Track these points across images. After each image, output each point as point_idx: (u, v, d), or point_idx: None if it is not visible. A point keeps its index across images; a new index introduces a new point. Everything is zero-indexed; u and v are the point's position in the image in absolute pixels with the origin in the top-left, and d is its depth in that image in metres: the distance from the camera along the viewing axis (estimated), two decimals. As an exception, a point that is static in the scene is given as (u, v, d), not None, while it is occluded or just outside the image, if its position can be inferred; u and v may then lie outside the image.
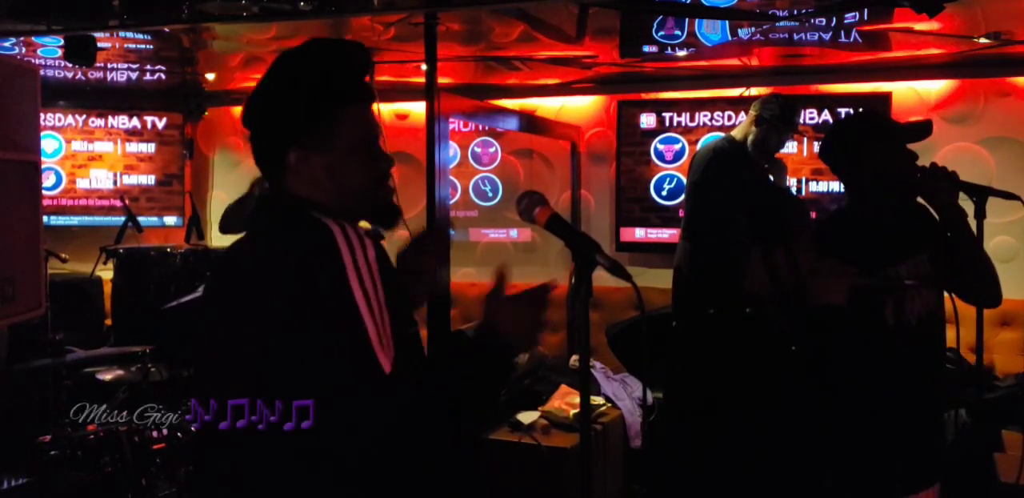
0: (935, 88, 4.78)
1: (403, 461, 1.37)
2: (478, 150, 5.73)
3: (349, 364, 1.31)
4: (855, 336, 1.94)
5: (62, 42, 4.24)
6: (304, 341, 1.32)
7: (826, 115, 4.89)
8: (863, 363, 2.00)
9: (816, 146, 4.79)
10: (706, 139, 4.95)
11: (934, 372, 2.33)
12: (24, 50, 4.83)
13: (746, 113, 3.99)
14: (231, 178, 6.34)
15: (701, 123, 5.15)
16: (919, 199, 2.28)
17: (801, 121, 4.87)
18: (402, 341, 1.36)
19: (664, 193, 5.24)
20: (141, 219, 5.47)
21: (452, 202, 5.49)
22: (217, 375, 1.44)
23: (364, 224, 1.49)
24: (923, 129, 2.25)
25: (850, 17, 3.82)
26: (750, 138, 3.89)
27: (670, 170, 5.22)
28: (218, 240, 6.06)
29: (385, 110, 5.73)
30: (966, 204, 2.25)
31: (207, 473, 1.46)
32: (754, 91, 4.84)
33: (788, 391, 1.94)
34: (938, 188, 2.19)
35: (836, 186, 4.87)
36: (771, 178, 4.06)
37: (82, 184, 6.08)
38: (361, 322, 1.31)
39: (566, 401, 3.69)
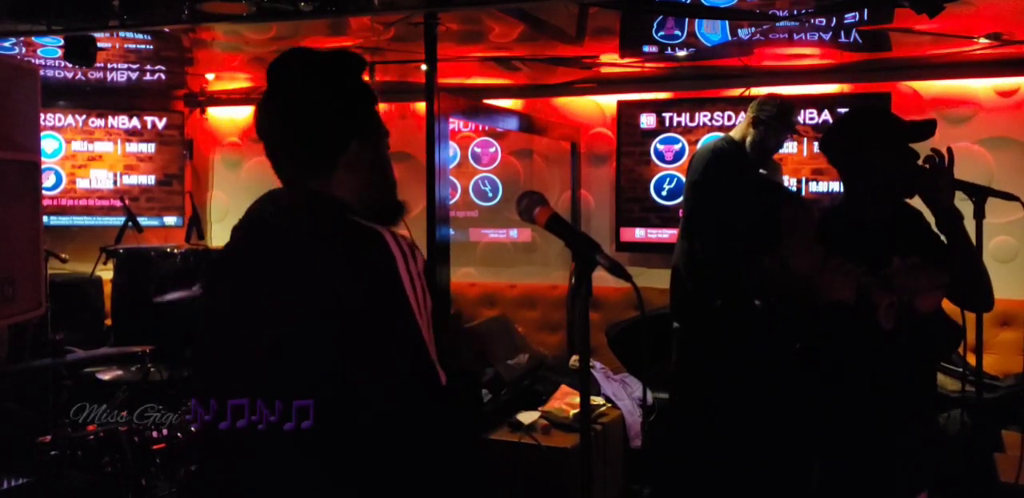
0: (935, 88, 4.78)
1: (437, 466, 1.38)
2: (478, 150, 5.73)
3: (411, 372, 1.33)
4: (860, 333, 1.93)
5: (62, 42, 4.24)
6: (365, 348, 1.32)
7: (826, 115, 4.89)
8: (864, 360, 2.00)
9: (816, 146, 4.79)
10: (705, 139, 4.96)
11: (927, 370, 2.33)
12: (24, 50, 4.83)
13: (746, 113, 3.99)
14: (231, 178, 6.35)
15: (701, 123, 5.15)
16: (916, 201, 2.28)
17: (801, 121, 4.87)
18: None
19: (664, 193, 5.24)
20: (141, 219, 5.47)
21: (452, 202, 5.50)
22: (265, 375, 1.40)
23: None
24: (927, 128, 2.24)
25: (850, 17, 3.82)
26: (748, 139, 3.88)
27: (670, 170, 5.22)
28: (218, 240, 6.07)
29: (385, 110, 5.73)
30: (965, 204, 2.25)
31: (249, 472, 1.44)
32: (754, 91, 4.84)
33: (789, 385, 1.93)
34: (937, 188, 2.18)
35: (836, 186, 4.87)
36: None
37: (82, 184, 6.08)
38: (419, 330, 1.33)
39: (566, 401, 3.69)
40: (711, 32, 4.04)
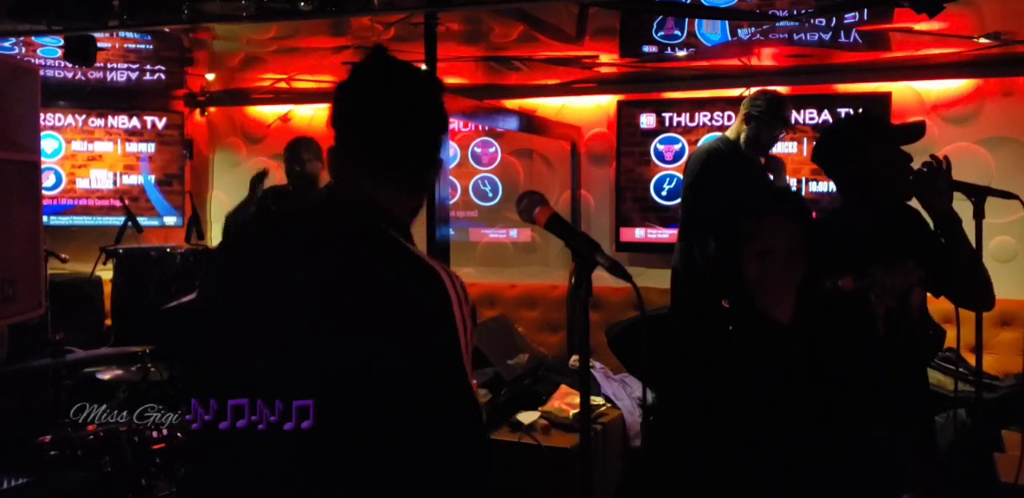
0: (935, 88, 4.77)
1: None
2: (478, 150, 5.73)
3: (457, 416, 1.32)
4: (850, 341, 1.93)
5: (62, 42, 4.24)
6: (413, 386, 1.30)
7: (826, 115, 4.89)
8: (862, 366, 2.00)
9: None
10: (704, 140, 4.96)
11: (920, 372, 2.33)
12: (24, 50, 4.84)
13: (739, 111, 3.99)
14: (231, 178, 6.35)
15: (701, 123, 5.15)
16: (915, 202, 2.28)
17: (801, 121, 4.87)
18: None
19: (664, 193, 5.24)
20: (141, 219, 5.47)
21: (452, 202, 5.50)
22: (274, 376, 1.37)
23: None
24: (916, 130, 2.25)
25: (850, 17, 3.82)
26: (742, 136, 3.89)
27: (670, 170, 5.22)
28: (218, 240, 6.07)
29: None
30: (965, 204, 2.25)
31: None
32: (754, 91, 4.84)
33: (776, 390, 1.93)
34: (933, 190, 2.18)
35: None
36: (770, 177, 4.05)
37: (82, 184, 6.08)
38: (466, 375, 1.32)
39: (566, 401, 3.69)
40: (711, 32, 4.04)
